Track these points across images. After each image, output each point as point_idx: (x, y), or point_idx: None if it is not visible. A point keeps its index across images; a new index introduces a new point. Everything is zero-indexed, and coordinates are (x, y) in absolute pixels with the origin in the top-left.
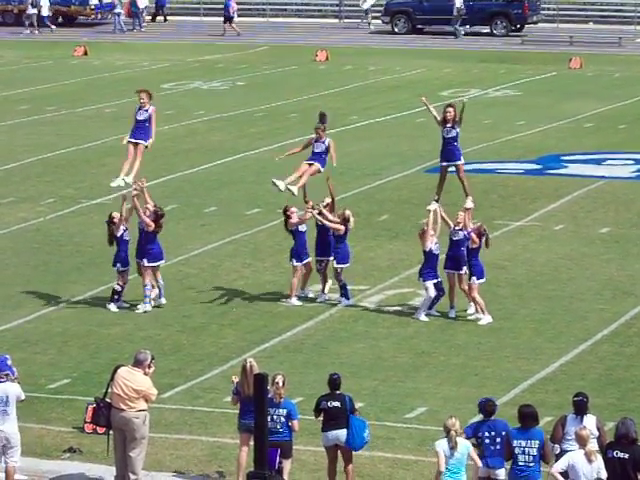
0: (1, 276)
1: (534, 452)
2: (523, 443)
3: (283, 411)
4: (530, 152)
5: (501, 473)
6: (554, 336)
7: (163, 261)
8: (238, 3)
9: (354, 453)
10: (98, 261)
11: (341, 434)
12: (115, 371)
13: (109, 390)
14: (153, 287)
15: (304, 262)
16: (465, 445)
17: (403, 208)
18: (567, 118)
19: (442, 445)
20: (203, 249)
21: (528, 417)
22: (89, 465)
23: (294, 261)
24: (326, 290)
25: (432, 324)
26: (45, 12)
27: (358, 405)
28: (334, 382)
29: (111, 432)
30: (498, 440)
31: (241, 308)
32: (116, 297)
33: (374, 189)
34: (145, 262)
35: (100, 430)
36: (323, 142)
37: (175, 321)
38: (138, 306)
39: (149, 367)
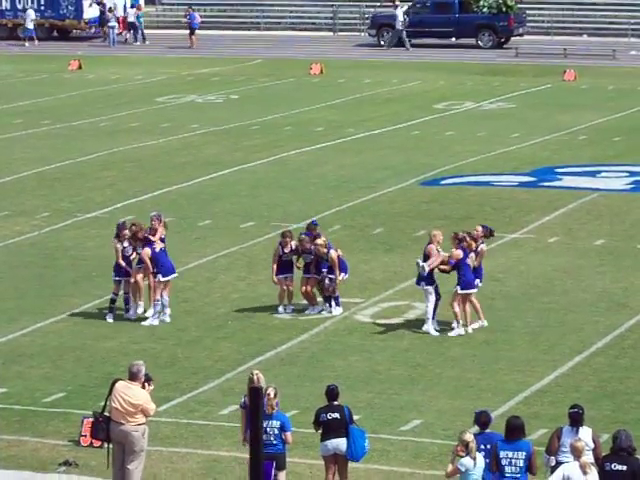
0: None
1: (521, 463)
2: (510, 454)
3: (276, 423)
4: (524, 164)
5: None
6: (549, 348)
7: (175, 274)
8: (232, 17)
9: (349, 465)
10: (93, 274)
11: (341, 443)
12: (113, 385)
13: (107, 404)
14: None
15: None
16: (483, 459)
17: (398, 221)
18: (562, 130)
19: (467, 464)
20: (198, 262)
21: (515, 429)
22: (85, 478)
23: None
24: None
25: (427, 337)
26: (29, 25)
27: (354, 417)
28: (332, 393)
29: (110, 445)
30: None
31: (236, 321)
32: (111, 307)
33: (369, 202)
34: (160, 277)
35: (96, 443)
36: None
37: (170, 334)
38: (146, 320)
39: (148, 384)
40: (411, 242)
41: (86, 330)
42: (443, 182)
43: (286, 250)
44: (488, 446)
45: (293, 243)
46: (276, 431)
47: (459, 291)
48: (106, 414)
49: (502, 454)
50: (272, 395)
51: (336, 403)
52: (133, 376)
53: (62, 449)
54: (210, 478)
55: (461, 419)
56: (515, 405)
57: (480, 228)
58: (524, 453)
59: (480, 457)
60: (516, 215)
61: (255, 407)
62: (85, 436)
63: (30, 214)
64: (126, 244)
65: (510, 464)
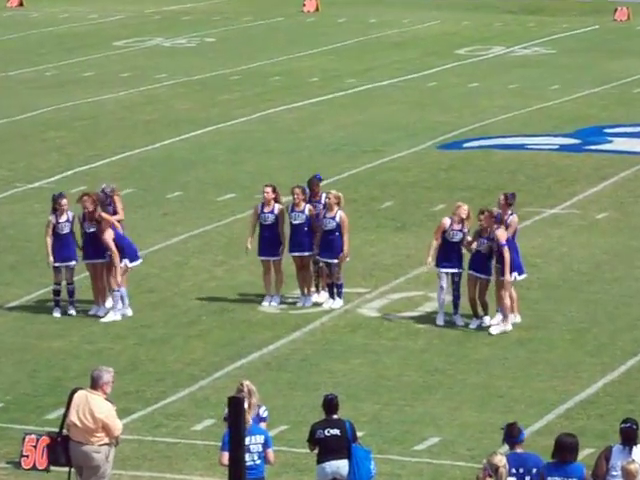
0: None
1: None
2: None
3: (260, 438)
4: (566, 123)
5: None
6: (596, 349)
7: (140, 260)
8: None
9: None
10: (37, 259)
11: (342, 465)
12: (72, 396)
13: (66, 420)
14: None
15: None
16: None
17: (411, 192)
18: (611, 82)
19: None
20: (165, 243)
21: (567, 449)
22: None
23: None
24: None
25: (447, 335)
26: None
27: (357, 434)
28: (330, 404)
29: (72, 469)
30: (527, 479)
31: (212, 316)
32: (56, 300)
33: (375, 169)
34: (127, 262)
35: (40, 466)
36: None
37: (131, 332)
38: (104, 317)
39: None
40: (427, 218)
41: (28, 327)
42: (466, 145)
43: (266, 210)
44: (521, 470)
45: (277, 206)
46: (260, 447)
47: (516, 278)
48: (64, 432)
49: None
50: (246, 407)
51: (336, 417)
52: (94, 383)
53: (0, 472)
54: None
55: (489, 436)
56: (555, 419)
57: (502, 196)
58: None
59: None
60: (556, 186)
61: (236, 420)
62: (27, 457)
63: None
64: (63, 218)
65: None
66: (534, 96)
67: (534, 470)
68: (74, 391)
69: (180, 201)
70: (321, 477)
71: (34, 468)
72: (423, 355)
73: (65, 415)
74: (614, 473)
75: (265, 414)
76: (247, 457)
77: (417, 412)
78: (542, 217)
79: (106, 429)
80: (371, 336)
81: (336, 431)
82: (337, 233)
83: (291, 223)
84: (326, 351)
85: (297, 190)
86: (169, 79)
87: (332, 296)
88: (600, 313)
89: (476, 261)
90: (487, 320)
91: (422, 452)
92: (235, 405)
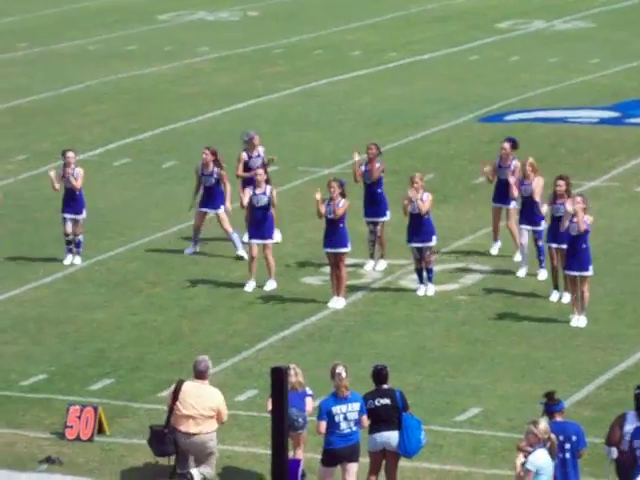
0: None
1: None
2: None
3: (356, 405)
4: (607, 96)
5: None
6: (636, 321)
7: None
8: None
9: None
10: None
11: (392, 437)
12: (177, 389)
13: (174, 411)
14: None
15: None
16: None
17: (452, 165)
18: None
19: (539, 461)
20: (209, 215)
21: None
22: (71, 478)
23: None
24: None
25: (488, 307)
26: None
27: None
28: (380, 374)
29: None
30: (567, 447)
31: (254, 289)
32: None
33: (417, 142)
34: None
35: (84, 436)
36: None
37: (174, 304)
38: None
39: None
40: (468, 191)
41: (71, 298)
42: (507, 118)
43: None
44: (561, 437)
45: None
46: (356, 415)
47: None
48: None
49: (636, 443)
50: (344, 375)
51: (386, 386)
52: (201, 374)
53: (43, 443)
54: (223, 478)
55: (529, 407)
56: (595, 390)
57: (507, 144)
58: None
59: (545, 453)
60: (597, 159)
61: (279, 393)
62: (71, 427)
63: (3, 157)
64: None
65: None
66: (574, 70)
67: (574, 437)
68: (179, 383)
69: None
70: (372, 447)
71: (78, 439)
72: (464, 327)
73: (171, 408)
74: (628, 439)
75: (310, 391)
76: (344, 425)
77: (458, 383)
78: (582, 190)
79: (218, 415)
80: (412, 308)
81: (386, 400)
82: (427, 217)
83: (326, 217)
84: (368, 323)
85: (333, 184)
86: (212, 52)
87: (422, 282)
88: None
89: (554, 231)
90: (566, 297)
91: (463, 423)
92: (277, 375)
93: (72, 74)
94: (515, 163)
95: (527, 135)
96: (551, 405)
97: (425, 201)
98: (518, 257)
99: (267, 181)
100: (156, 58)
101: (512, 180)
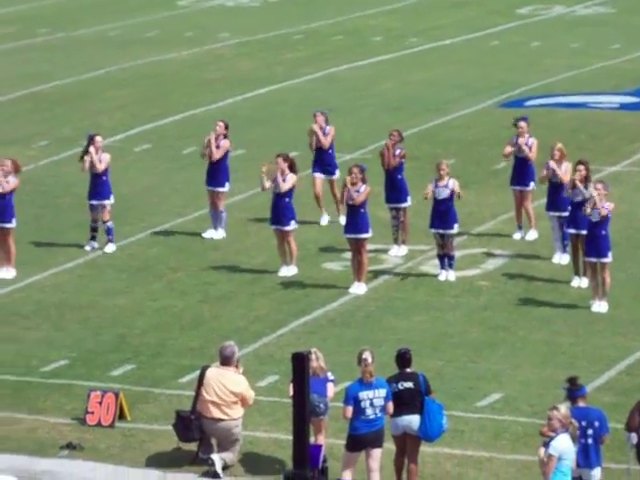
0: None
1: None
2: None
3: (382, 392)
4: (628, 82)
5: (596, 474)
6: None
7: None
8: None
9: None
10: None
11: (414, 420)
12: (203, 374)
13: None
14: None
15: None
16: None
17: (473, 151)
18: None
19: (561, 447)
20: (230, 200)
21: None
22: (92, 464)
23: None
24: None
25: (509, 292)
26: None
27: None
28: (404, 358)
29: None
30: (590, 432)
31: (275, 274)
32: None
33: (438, 127)
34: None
35: (105, 422)
36: None
37: (195, 289)
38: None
39: (237, 366)
40: (489, 176)
41: (93, 284)
42: (528, 103)
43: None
44: (583, 423)
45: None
46: (382, 402)
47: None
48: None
49: None
50: (370, 360)
51: (409, 370)
52: (226, 360)
53: (64, 429)
54: (244, 464)
55: (551, 392)
56: (616, 375)
57: (523, 122)
58: None
59: (568, 438)
60: (618, 144)
61: (300, 378)
62: (92, 413)
63: (25, 143)
64: (94, 157)
65: None
66: (595, 55)
67: (596, 423)
68: (204, 369)
69: (244, 159)
70: (394, 430)
71: (99, 424)
72: (485, 312)
73: (197, 394)
74: None
75: (332, 377)
76: (369, 411)
77: (480, 368)
78: (603, 175)
79: (243, 401)
80: (433, 293)
81: (409, 384)
82: (450, 203)
83: (347, 203)
84: (389, 308)
85: (354, 169)
86: (232, 38)
87: (443, 267)
88: None
89: (573, 216)
90: (585, 282)
91: (485, 408)
92: (299, 361)
93: (93, 60)
94: (532, 141)
95: (548, 120)
96: (574, 390)
97: (455, 188)
98: (533, 234)
99: (291, 168)
100: (176, 44)
101: (530, 154)
